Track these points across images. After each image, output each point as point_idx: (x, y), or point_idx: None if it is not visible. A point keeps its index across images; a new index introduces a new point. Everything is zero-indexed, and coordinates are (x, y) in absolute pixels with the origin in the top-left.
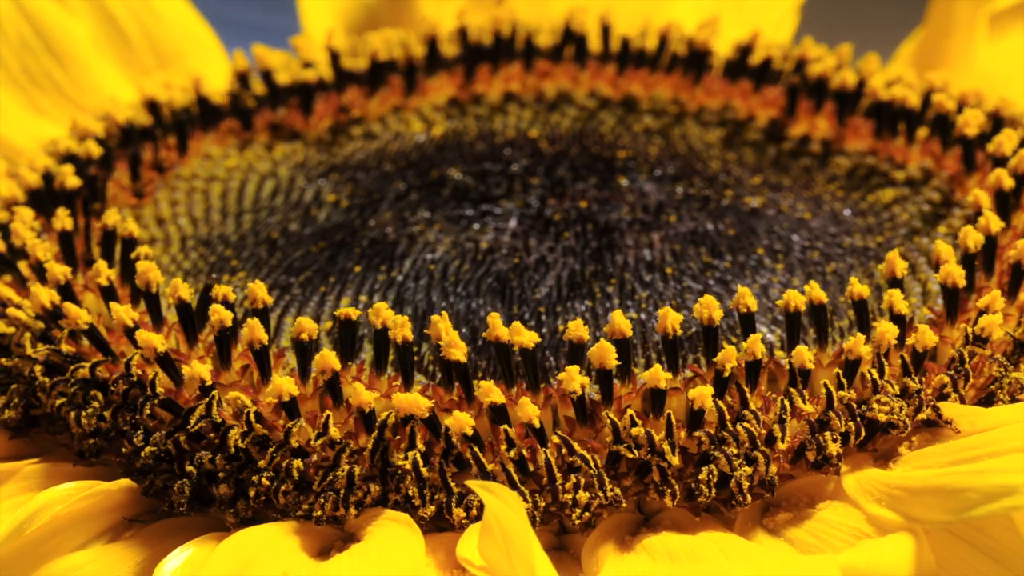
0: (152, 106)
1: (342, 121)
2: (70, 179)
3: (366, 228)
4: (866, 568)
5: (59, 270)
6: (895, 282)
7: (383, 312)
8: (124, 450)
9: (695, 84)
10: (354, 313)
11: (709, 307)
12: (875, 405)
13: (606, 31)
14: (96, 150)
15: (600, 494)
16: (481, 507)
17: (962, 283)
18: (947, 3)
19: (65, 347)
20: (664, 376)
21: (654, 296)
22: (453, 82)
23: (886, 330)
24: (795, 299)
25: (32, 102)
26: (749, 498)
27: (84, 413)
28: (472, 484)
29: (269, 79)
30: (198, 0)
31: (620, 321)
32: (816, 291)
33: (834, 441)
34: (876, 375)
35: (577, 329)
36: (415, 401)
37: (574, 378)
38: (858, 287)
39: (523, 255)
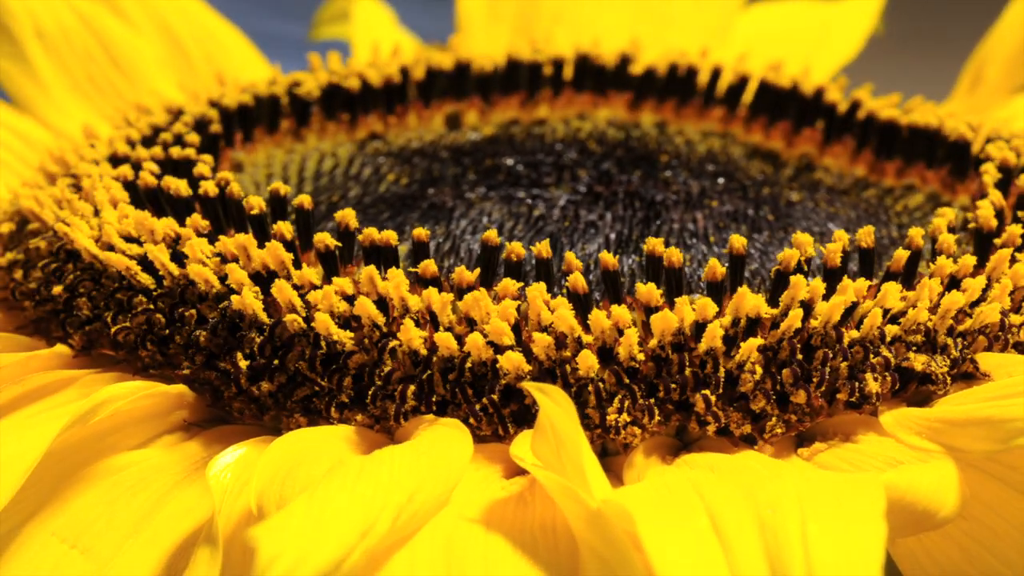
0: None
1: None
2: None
3: (425, 197)
4: (907, 487)
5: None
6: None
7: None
8: (185, 367)
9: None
10: (425, 234)
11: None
12: (911, 355)
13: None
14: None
15: (647, 423)
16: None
17: None
18: (978, 68)
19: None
20: (720, 344)
21: (698, 256)
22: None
23: (955, 300)
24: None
25: (96, 108)
26: (781, 430)
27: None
28: (527, 386)
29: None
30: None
31: (674, 254)
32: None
33: (874, 380)
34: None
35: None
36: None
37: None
38: (918, 239)
39: (573, 221)
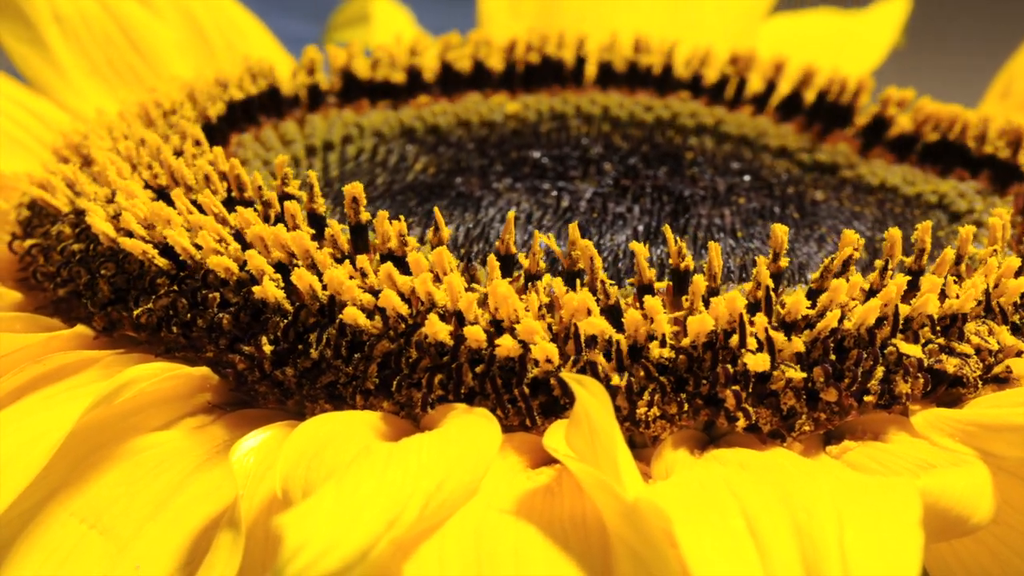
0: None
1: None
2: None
3: (452, 186)
4: (941, 492)
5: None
6: None
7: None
8: (209, 350)
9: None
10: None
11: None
12: (943, 357)
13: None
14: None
15: (676, 418)
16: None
17: None
18: (1008, 81)
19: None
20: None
21: (726, 250)
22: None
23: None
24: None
25: (115, 93)
26: (809, 428)
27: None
28: (565, 377)
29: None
30: None
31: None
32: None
33: (905, 381)
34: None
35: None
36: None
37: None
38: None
39: (601, 213)
